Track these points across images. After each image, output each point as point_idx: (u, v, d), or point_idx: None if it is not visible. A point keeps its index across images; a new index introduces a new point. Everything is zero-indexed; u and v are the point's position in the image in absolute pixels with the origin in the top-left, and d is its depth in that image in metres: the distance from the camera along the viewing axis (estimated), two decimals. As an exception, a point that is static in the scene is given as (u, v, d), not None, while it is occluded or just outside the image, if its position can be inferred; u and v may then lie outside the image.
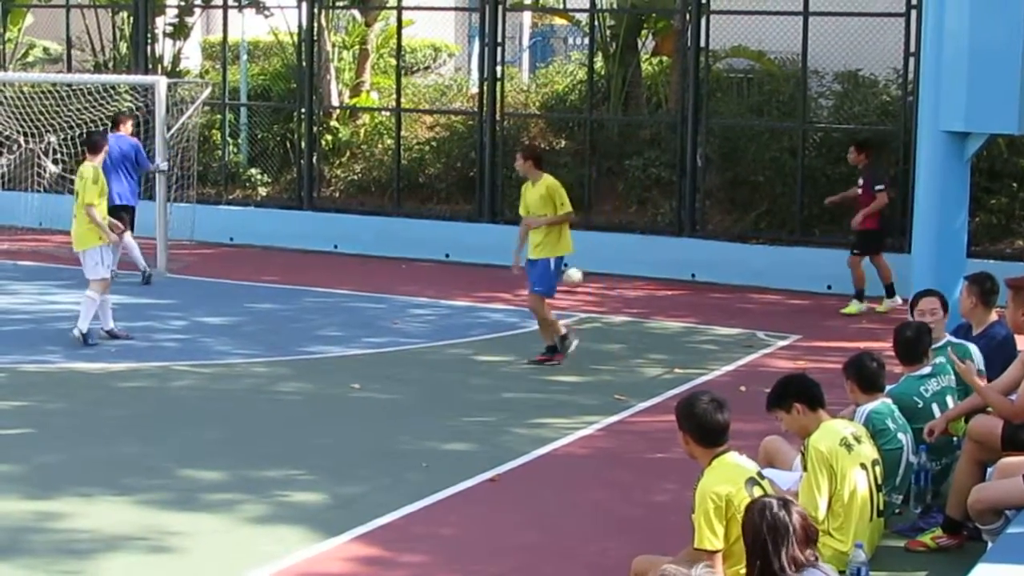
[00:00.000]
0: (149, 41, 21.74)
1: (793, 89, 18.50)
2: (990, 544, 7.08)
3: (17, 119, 19.40)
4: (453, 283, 16.91)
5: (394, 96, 20.89)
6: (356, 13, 22.99)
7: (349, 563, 7.79)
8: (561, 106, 21.22)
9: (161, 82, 17.92)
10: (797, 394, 7.32)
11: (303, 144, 20.72)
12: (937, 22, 11.94)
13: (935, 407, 8.22)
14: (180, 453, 9.74)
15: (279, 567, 7.63)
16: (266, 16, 22.00)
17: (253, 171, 21.49)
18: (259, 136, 21.88)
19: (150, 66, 21.40)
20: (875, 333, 13.86)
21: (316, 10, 20.71)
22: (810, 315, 15.43)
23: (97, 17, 22.46)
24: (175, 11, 22.51)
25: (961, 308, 9.25)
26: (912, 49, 16.52)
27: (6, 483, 8.98)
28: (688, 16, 18.29)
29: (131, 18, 22.07)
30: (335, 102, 21.83)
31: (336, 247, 19.43)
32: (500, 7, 19.24)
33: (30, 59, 24.57)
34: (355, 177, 21.10)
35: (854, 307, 15.35)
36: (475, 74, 21.68)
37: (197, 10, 23.01)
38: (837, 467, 7.13)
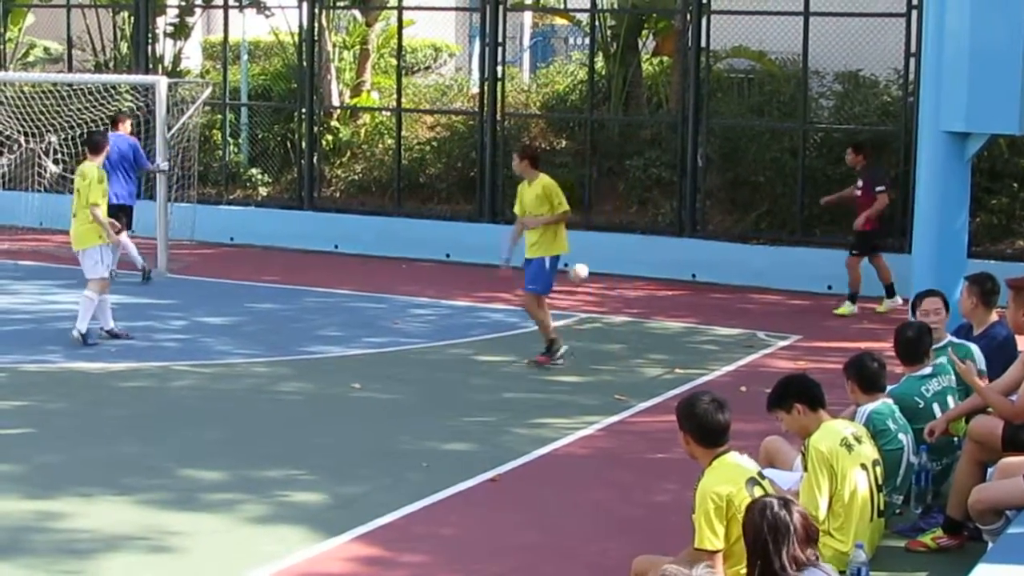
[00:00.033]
0: (150, 41, 21.74)
1: (794, 89, 18.50)
2: (990, 544, 7.08)
3: (18, 119, 19.40)
4: (454, 283, 16.91)
5: (395, 96, 20.90)
6: (357, 13, 23.00)
7: (350, 563, 7.79)
8: (562, 106, 21.22)
9: (162, 82, 17.92)
10: (798, 394, 7.32)
11: (304, 144, 20.73)
12: (938, 22, 11.93)
13: (936, 407, 8.22)
14: (180, 453, 9.74)
15: (279, 567, 7.63)
16: (267, 16, 22.01)
17: (254, 171, 21.49)
18: (260, 136, 21.88)
19: (151, 66, 21.40)
20: (876, 333, 13.86)
21: (317, 10, 20.72)
22: (810, 315, 15.43)
23: (98, 17, 22.46)
24: (176, 11, 22.52)
25: (962, 308, 9.25)
26: (913, 49, 16.52)
27: (7, 483, 8.98)
28: (689, 16, 18.29)
29: (132, 18, 22.08)
30: (336, 102, 21.83)
31: (337, 247, 19.43)
32: (501, 7, 19.25)
33: (31, 59, 24.58)
34: (356, 177, 21.11)
35: (846, 308, 15.35)
36: (476, 74, 21.69)
37: (198, 10, 23.02)
38: (837, 467, 7.13)
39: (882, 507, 7.43)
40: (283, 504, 8.68)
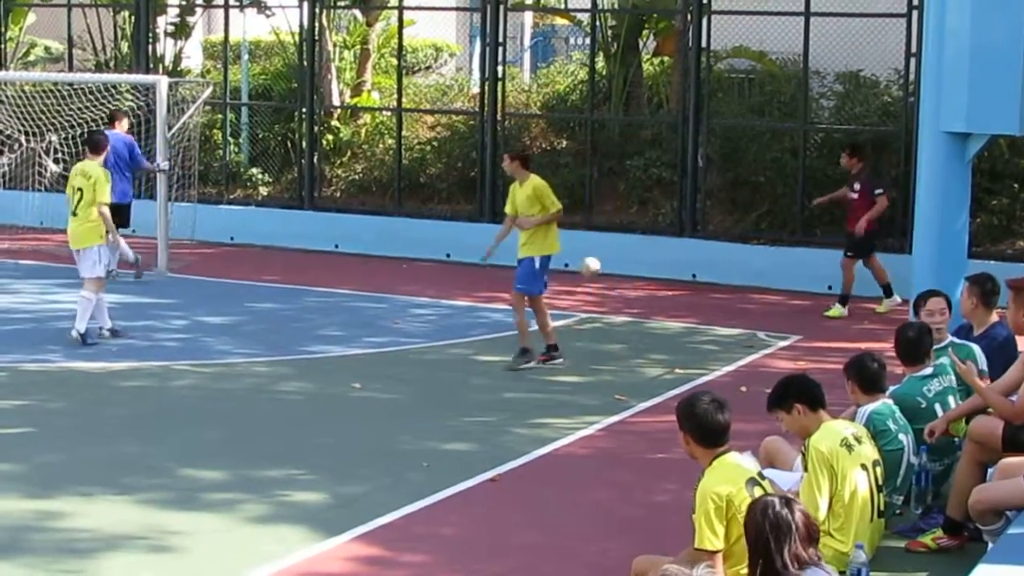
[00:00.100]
0: (150, 40, 21.74)
1: (794, 89, 18.50)
2: (991, 545, 7.08)
3: (18, 118, 19.39)
4: (454, 283, 16.91)
5: (395, 96, 20.90)
6: (357, 13, 23.00)
7: (350, 563, 7.79)
8: (562, 106, 21.22)
9: (162, 81, 17.92)
10: (798, 394, 7.32)
11: (304, 144, 20.73)
12: (938, 23, 11.93)
13: (938, 407, 8.22)
14: (181, 452, 9.74)
15: (280, 567, 7.63)
16: (267, 16, 22.02)
17: (254, 171, 21.49)
18: (260, 136, 21.88)
19: (151, 65, 21.40)
20: (876, 334, 13.86)
21: (317, 10, 20.71)
22: (811, 315, 15.43)
23: (98, 16, 22.47)
24: (176, 10, 22.52)
25: (962, 309, 9.25)
26: (913, 50, 16.52)
27: (7, 482, 8.98)
28: (689, 16, 18.29)
29: (132, 17, 22.08)
30: (336, 102, 21.84)
31: (337, 247, 19.43)
32: (501, 7, 19.25)
33: (31, 58, 24.58)
34: (356, 177, 21.11)
35: (836, 311, 15.34)
36: (476, 74, 21.68)
37: (198, 9, 23.02)
38: (838, 467, 7.13)
39: (882, 507, 7.43)
40: (283, 504, 8.68)
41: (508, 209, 12.75)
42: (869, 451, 7.39)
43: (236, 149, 21.98)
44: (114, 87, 19.61)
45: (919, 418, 8.09)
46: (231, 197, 21.11)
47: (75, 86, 19.47)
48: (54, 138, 19.26)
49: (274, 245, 19.66)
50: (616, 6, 21.13)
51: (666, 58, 20.84)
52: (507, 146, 19.12)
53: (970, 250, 12.96)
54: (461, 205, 19.94)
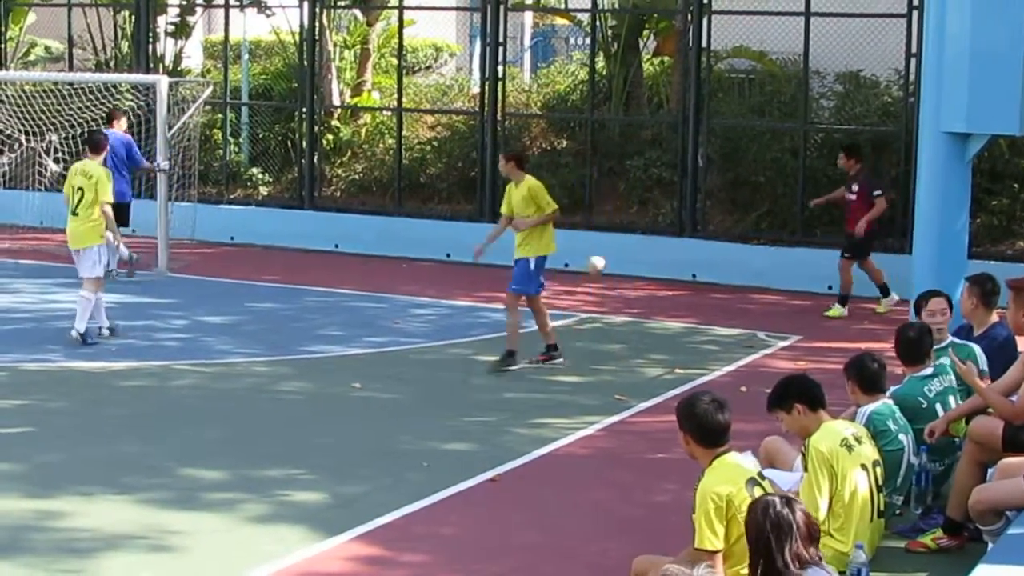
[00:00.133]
0: (151, 40, 21.74)
1: (794, 90, 18.49)
2: (991, 545, 7.08)
3: (18, 118, 19.39)
4: (454, 283, 16.91)
5: (395, 96, 20.90)
6: (358, 12, 23.00)
7: (350, 563, 7.79)
8: (562, 106, 21.22)
9: (162, 81, 17.92)
10: (798, 395, 7.32)
11: (304, 144, 20.73)
12: (939, 23, 11.93)
13: (939, 407, 8.23)
14: (181, 452, 9.74)
15: (280, 566, 7.63)
16: (268, 15, 22.02)
17: (254, 170, 21.49)
18: (260, 135, 21.88)
19: (151, 65, 21.41)
20: (876, 334, 13.86)
21: (318, 9, 20.71)
22: (811, 316, 15.43)
23: (99, 16, 22.47)
24: (177, 10, 22.52)
25: (962, 309, 9.26)
26: (913, 50, 16.52)
27: (7, 482, 8.99)
28: (690, 16, 18.29)
29: (133, 17, 22.08)
30: (336, 102, 21.84)
31: (337, 247, 19.43)
32: (501, 7, 19.24)
33: (31, 58, 24.58)
34: (356, 177, 21.11)
35: (836, 311, 15.35)
36: (476, 74, 21.68)
37: (199, 9, 23.03)
38: (838, 468, 7.13)
39: (882, 508, 7.43)
40: (283, 504, 8.68)
41: (504, 210, 12.73)
42: (869, 451, 7.39)
43: (236, 149, 21.99)
44: (114, 87, 19.61)
45: (920, 418, 8.09)
46: (231, 197, 21.11)
47: (75, 86, 19.47)
48: (54, 138, 19.26)
49: (274, 245, 19.67)
50: (616, 6, 21.13)
51: (666, 58, 20.84)
52: (507, 146, 19.10)
53: (970, 250, 12.97)
54: (461, 205, 19.94)
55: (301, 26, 20.78)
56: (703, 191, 18.31)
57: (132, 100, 19.97)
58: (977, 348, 8.79)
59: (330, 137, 21.39)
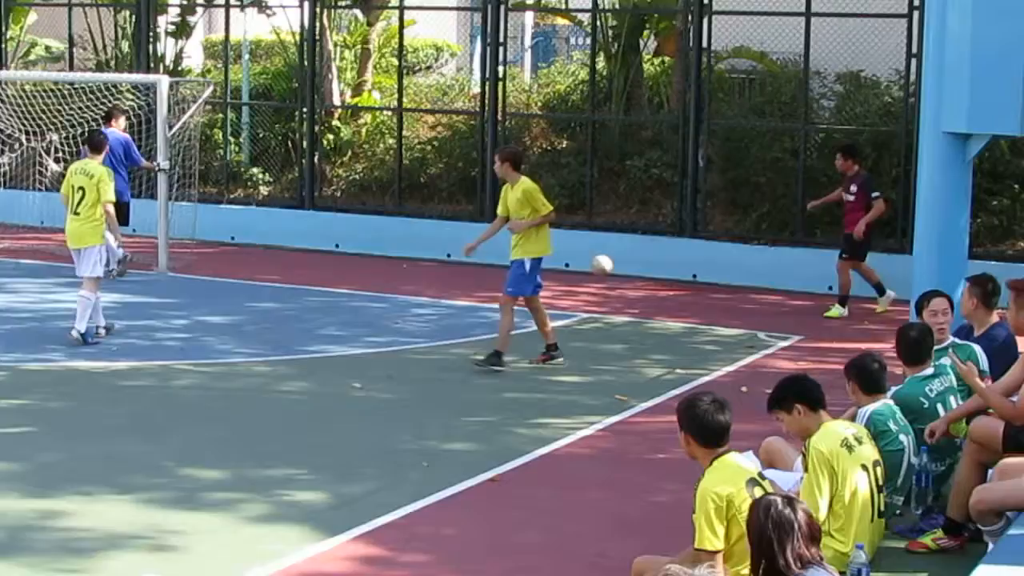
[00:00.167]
0: (151, 40, 21.74)
1: (795, 90, 18.50)
2: (991, 545, 7.08)
3: (19, 117, 19.41)
4: (454, 283, 16.91)
5: (396, 96, 20.90)
6: (358, 12, 23.00)
7: (350, 562, 7.79)
8: (563, 106, 21.22)
9: (163, 81, 17.93)
10: (798, 395, 7.32)
11: (305, 143, 20.73)
12: (939, 23, 11.93)
13: (940, 408, 8.22)
14: (181, 452, 9.74)
15: (280, 566, 7.63)
16: (268, 15, 22.03)
17: (255, 170, 21.49)
18: (261, 135, 21.88)
19: (152, 65, 21.41)
20: (876, 334, 13.87)
21: (318, 9, 20.71)
22: (811, 316, 15.43)
23: (99, 15, 22.47)
24: (177, 10, 22.53)
25: (962, 309, 9.26)
26: (914, 50, 16.52)
27: (7, 481, 8.98)
28: (690, 16, 18.29)
29: (133, 17, 22.08)
30: (337, 101, 21.84)
31: (337, 246, 19.44)
32: (502, 7, 19.24)
33: (32, 57, 24.59)
34: (357, 176, 21.11)
35: (836, 311, 15.36)
36: (477, 74, 21.68)
37: (199, 9, 23.03)
38: (838, 468, 7.13)
39: (882, 508, 7.43)
40: (284, 503, 8.68)
41: (500, 211, 12.68)
42: (869, 452, 7.39)
43: (237, 149, 21.99)
44: (115, 86, 19.62)
45: (921, 419, 8.09)
46: (232, 197, 21.11)
47: (76, 85, 19.49)
48: (55, 137, 19.27)
49: (275, 245, 19.67)
50: (617, 6, 21.12)
51: (667, 58, 20.84)
52: (508, 146, 19.12)
53: (971, 250, 12.96)
54: (462, 205, 19.94)
55: (302, 26, 20.78)
56: (703, 191, 18.31)
57: (132, 100, 19.97)
58: (978, 348, 8.80)
59: (330, 137, 21.39)
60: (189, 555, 7.78)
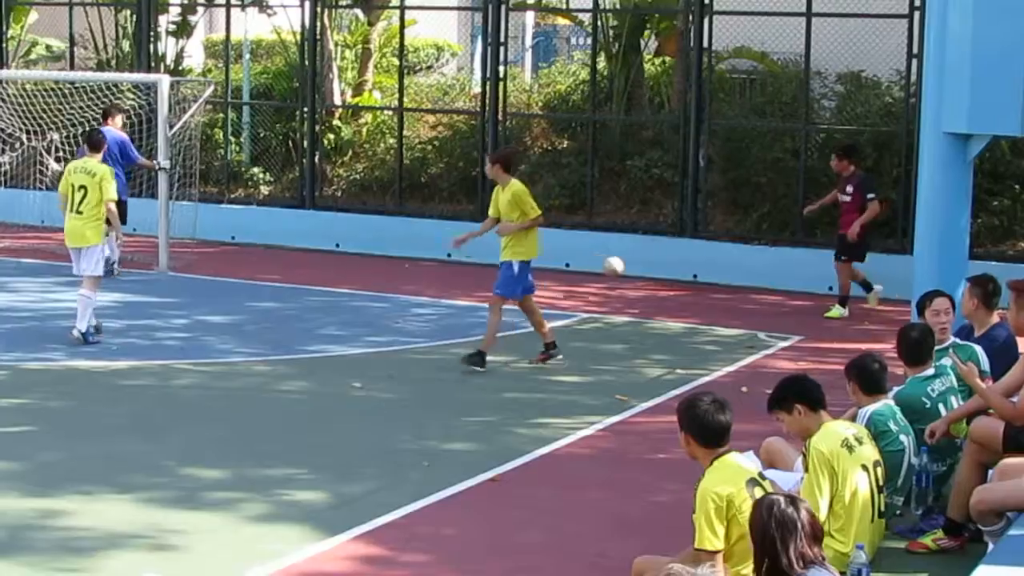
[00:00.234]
0: (152, 39, 21.74)
1: (796, 90, 18.49)
2: (991, 546, 7.08)
3: (19, 117, 19.41)
4: (455, 283, 16.91)
5: (396, 95, 20.90)
6: (359, 12, 23.00)
7: (350, 562, 7.79)
8: (563, 106, 21.22)
9: (164, 80, 17.93)
10: (799, 395, 7.32)
11: (305, 143, 20.72)
12: (940, 23, 11.93)
13: (941, 408, 8.23)
14: (181, 451, 9.74)
15: (280, 566, 7.63)
16: (269, 15, 22.03)
17: (255, 170, 21.49)
18: (261, 135, 21.88)
19: (153, 64, 21.40)
20: (877, 334, 13.87)
21: (319, 9, 20.70)
22: (812, 316, 15.43)
23: (100, 15, 22.47)
24: (178, 9, 22.53)
25: (963, 310, 9.27)
26: (915, 50, 16.52)
27: (7, 480, 8.98)
28: (691, 17, 18.28)
29: (134, 16, 22.08)
30: (337, 101, 21.84)
31: (338, 246, 19.44)
32: (503, 7, 19.24)
33: (33, 56, 24.60)
34: (357, 176, 21.11)
35: (836, 311, 15.36)
36: (478, 74, 21.68)
37: (200, 8, 23.03)
38: (838, 468, 7.13)
39: (883, 508, 7.43)
40: (284, 503, 8.68)
41: (491, 211, 12.67)
42: (870, 452, 7.39)
43: (237, 148, 21.99)
44: (115, 86, 19.62)
45: (922, 419, 8.09)
46: (232, 196, 21.11)
47: (76, 85, 19.49)
48: (55, 136, 19.26)
49: (275, 244, 19.67)
50: (618, 6, 21.12)
51: (667, 58, 20.83)
52: (508, 146, 19.12)
53: (971, 251, 12.96)
54: (462, 205, 19.93)
55: (302, 25, 20.78)
56: (704, 191, 18.31)
57: (133, 99, 19.97)
58: (979, 349, 8.80)
59: (331, 137, 21.39)
60: (189, 554, 7.78)
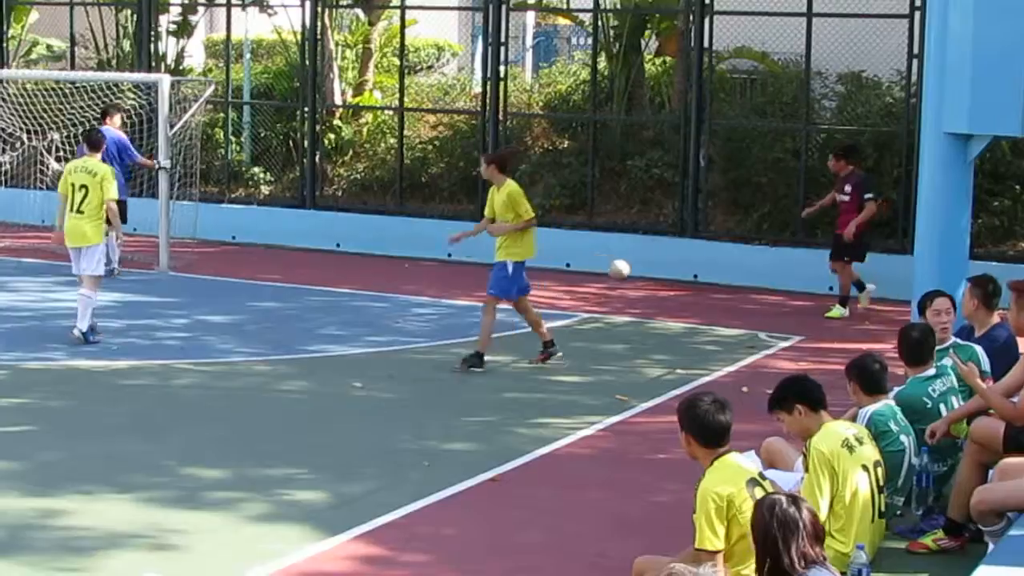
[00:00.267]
0: (152, 39, 21.74)
1: (796, 90, 18.49)
2: (991, 546, 7.08)
3: (20, 116, 19.41)
4: (455, 283, 16.91)
5: (397, 95, 20.90)
6: (359, 12, 23.00)
7: (350, 562, 7.79)
8: (564, 106, 21.21)
9: (164, 80, 17.92)
10: (799, 395, 7.31)
11: (306, 143, 20.73)
12: (941, 24, 11.93)
13: (942, 408, 8.23)
14: (182, 451, 9.74)
15: (280, 565, 7.63)
16: (269, 14, 22.03)
17: (256, 170, 21.49)
18: (262, 135, 21.88)
19: (153, 64, 21.40)
20: (877, 334, 13.87)
21: (319, 8, 20.71)
22: (812, 316, 15.43)
23: (101, 15, 22.48)
24: (179, 9, 22.53)
25: (963, 310, 9.27)
26: (916, 51, 16.52)
27: (7, 480, 8.98)
28: (692, 17, 18.28)
29: (135, 16, 22.08)
30: (338, 101, 21.84)
31: (338, 246, 19.44)
32: (504, 7, 19.24)
33: (33, 56, 24.60)
34: (358, 176, 21.11)
35: (837, 311, 15.36)
36: (478, 73, 21.68)
37: (200, 8, 23.03)
38: (839, 468, 7.13)
39: (883, 508, 7.43)
40: (284, 503, 8.68)
41: (487, 212, 12.67)
42: (870, 452, 7.39)
43: (238, 148, 21.99)
44: (116, 85, 19.62)
45: (923, 419, 8.09)
46: (233, 196, 21.11)
47: (77, 84, 19.49)
48: (56, 136, 19.26)
49: (276, 244, 19.67)
50: (618, 6, 21.12)
51: (668, 58, 20.83)
52: (508, 146, 19.12)
53: (971, 251, 12.97)
54: (463, 205, 19.92)
55: (303, 25, 20.78)
56: (705, 191, 18.31)
57: (134, 99, 19.97)
58: (979, 349, 8.80)
59: (332, 136, 21.39)
60: (189, 554, 7.78)
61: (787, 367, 12.15)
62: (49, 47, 24.75)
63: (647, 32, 20.89)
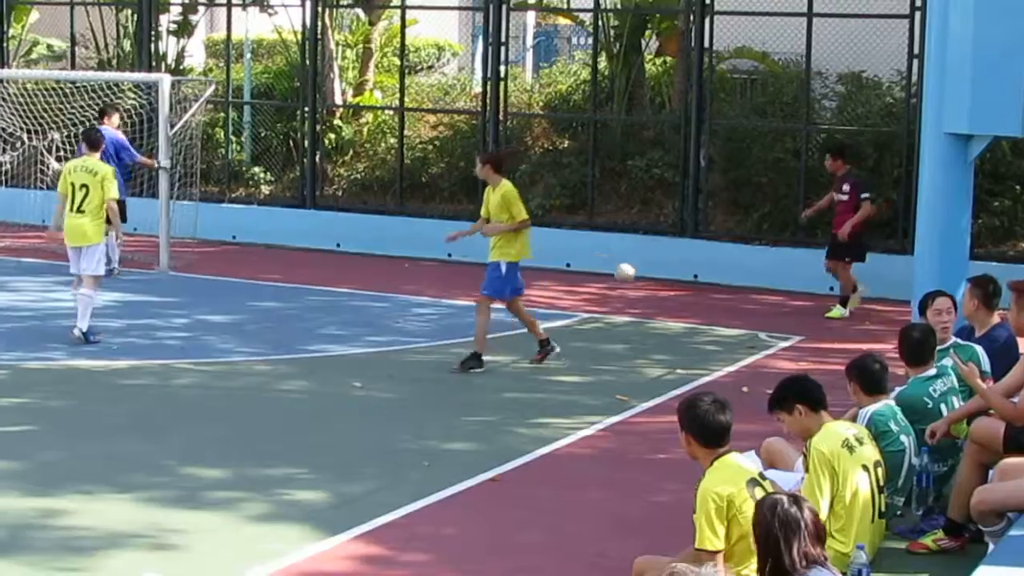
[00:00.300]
0: (153, 39, 21.74)
1: (796, 90, 18.49)
2: (992, 546, 7.08)
3: (20, 116, 19.41)
4: (455, 283, 16.90)
5: (397, 95, 20.90)
6: (360, 12, 23.00)
7: (350, 562, 7.79)
8: (564, 106, 21.21)
9: (165, 80, 17.93)
10: (799, 395, 7.32)
11: (306, 143, 20.73)
12: (941, 24, 11.92)
13: (943, 408, 8.23)
14: (182, 451, 9.74)
15: (280, 565, 7.63)
16: (270, 14, 22.03)
17: (256, 169, 21.49)
18: (262, 134, 21.88)
19: (154, 64, 21.40)
20: (877, 335, 13.87)
21: (320, 8, 20.71)
22: (812, 316, 15.43)
23: (101, 14, 22.48)
24: (179, 9, 22.53)
25: (963, 310, 9.26)
26: (916, 51, 16.52)
27: (8, 480, 8.98)
28: (692, 17, 18.28)
29: (135, 15, 22.08)
30: (338, 101, 21.84)
31: (339, 246, 19.44)
32: (504, 6, 19.24)
33: (34, 56, 24.60)
34: (358, 176, 21.11)
35: (837, 312, 15.37)
36: (479, 73, 21.68)
37: (201, 8, 23.03)
38: (839, 468, 7.13)
39: (883, 509, 7.43)
40: (284, 503, 8.68)
41: (483, 212, 12.67)
42: (870, 452, 7.39)
43: (238, 148, 21.99)
44: (116, 85, 19.63)
45: (924, 419, 8.09)
46: (233, 196, 21.11)
47: (77, 84, 19.49)
48: (56, 136, 19.26)
49: (276, 244, 19.68)
50: (619, 6, 21.12)
51: (668, 58, 20.83)
52: (509, 146, 19.13)
53: (972, 251, 12.96)
54: (463, 205, 19.91)
55: (303, 25, 20.78)
56: (705, 191, 18.31)
57: (134, 99, 19.98)
58: (979, 349, 8.80)
59: (332, 136, 21.39)
60: (190, 554, 7.78)
61: (787, 367, 12.15)
62: (49, 47, 24.75)
63: (647, 32, 20.89)
